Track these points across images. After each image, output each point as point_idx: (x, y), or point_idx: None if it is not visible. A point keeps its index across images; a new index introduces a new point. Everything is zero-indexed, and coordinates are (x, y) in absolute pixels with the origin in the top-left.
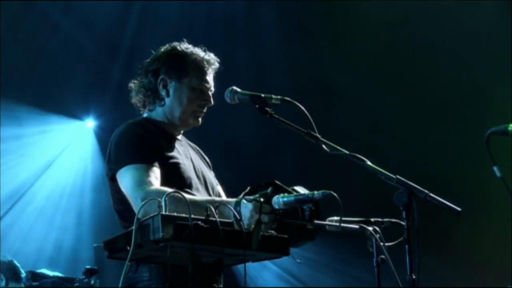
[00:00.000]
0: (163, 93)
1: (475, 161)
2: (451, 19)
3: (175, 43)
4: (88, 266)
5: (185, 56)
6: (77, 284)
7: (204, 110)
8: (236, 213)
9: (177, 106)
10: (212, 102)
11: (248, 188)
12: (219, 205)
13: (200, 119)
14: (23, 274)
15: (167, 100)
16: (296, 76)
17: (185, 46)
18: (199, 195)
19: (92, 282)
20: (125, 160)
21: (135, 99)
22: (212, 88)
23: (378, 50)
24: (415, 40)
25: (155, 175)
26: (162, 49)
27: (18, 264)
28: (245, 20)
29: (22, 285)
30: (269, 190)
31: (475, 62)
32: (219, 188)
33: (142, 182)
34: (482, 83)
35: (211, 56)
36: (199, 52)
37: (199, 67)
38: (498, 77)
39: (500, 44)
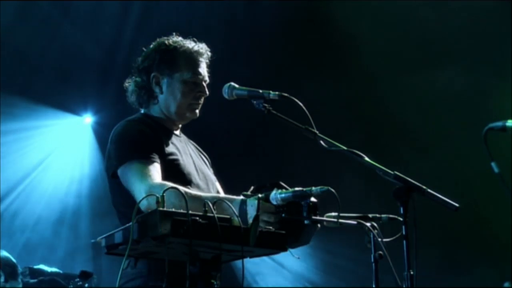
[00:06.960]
0: (157, 90)
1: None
2: (452, 19)
3: (164, 38)
4: (83, 269)
5: (174, 50)
6: (72, 286)
7: (200, 102)
8: (237, 212)
9: (172, 101)
10: (207, 92)
11: (252, 187)
12: (221, 202)
13: (197, 111)
14: (20, 271)
15: (162, 97)
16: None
17: (173, 40)
18: (200, 192)
19: (87, 285)
20: (127, 156)
21: (131, 99)
22: (206, 78)
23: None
24: (414, 37)
25: (157, 170)
26: (151, 46)
27: (15, 261)
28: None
29: (20, 282)
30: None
31: (475, 61)
32: (217, 185)
33: (146, 176)
34: (482, 81)
35: (200, 46)
36: (189, 44)
37: (190, 60)
38: (499, 75)
39: (501, 42)
